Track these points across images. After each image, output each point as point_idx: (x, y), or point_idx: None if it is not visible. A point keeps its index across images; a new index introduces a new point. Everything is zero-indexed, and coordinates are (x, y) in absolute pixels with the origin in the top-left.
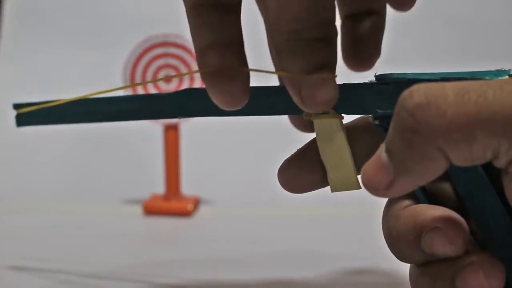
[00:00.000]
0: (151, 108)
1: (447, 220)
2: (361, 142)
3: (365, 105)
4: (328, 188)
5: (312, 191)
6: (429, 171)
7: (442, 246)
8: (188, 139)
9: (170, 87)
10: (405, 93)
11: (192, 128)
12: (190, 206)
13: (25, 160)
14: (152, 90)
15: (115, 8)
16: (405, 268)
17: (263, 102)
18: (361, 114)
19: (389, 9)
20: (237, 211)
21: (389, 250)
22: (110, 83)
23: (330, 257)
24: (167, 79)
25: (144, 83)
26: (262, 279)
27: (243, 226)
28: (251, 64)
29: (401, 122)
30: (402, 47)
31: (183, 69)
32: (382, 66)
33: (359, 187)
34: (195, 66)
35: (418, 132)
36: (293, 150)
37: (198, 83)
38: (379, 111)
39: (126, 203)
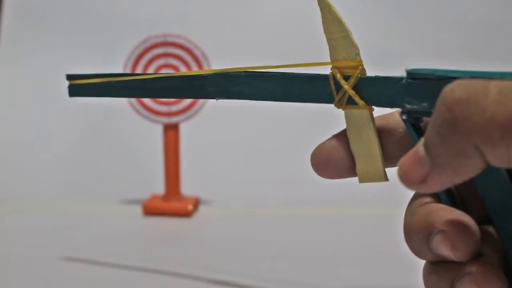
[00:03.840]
0: (192, 86)
1: (455, 224)
2: (394, 136)
3: (394, 99)
4: (327, 188)
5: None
6: (464, 169)
7: (446, 250)
8: (188, 140)
9: None
10: (447, 87)
11: (191, 128)
12: (190, 206)
13: (25, 161)
14: None
15: (115, 8)
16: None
17: (296, 90)
18: (390, 107)
19: (392, 9)
20: (237, 212)
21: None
22: None
23: (328, 257)
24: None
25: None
26: (261, 279)
27: (243, 226)
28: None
29: (439, 116)
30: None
31: (183, 69)
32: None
33: (386, 180)
34: (194, 66)
35: (455, 127)
36: (294, 151)
37: None
38: (406, 105)
39: (126, 204)
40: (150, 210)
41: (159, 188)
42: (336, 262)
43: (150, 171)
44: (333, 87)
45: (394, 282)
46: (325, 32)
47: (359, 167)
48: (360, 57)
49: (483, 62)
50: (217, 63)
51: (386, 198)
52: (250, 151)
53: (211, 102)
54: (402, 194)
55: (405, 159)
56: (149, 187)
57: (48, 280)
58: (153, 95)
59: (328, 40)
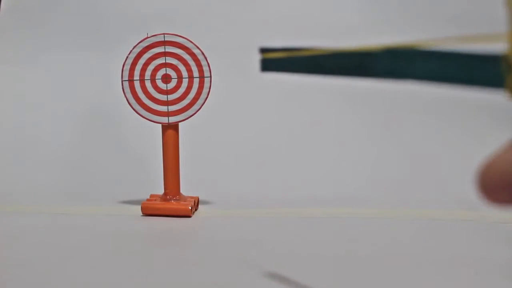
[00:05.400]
0: (361, 65)
1: None
2: None
3: None
4: (327, 188)
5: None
6: None
7: None
8: (187, 140)
9: (170, 86)
10: None
11: (191, 128)
12: (189, 207)
13: (25, 161)
14: (150, 88)
15: (114, 8)
16: None
17: (465, 71)
18: None
19: (389, 7)
20: (237, 212)
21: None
22: (110, 81)
23: (329, 257)
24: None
25: None
26: (261, 279)
27: (243, 226)
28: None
29: None
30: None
31: (182, 68)
32: None
33: None
34: (193, 65)
35: None
36: (294, 151)
37: (196, 83)
38: None
39: (125, 204)
40: (149, 211)
41: (158, 188)
42: (336, 262)
43: (149, 171)
44: (504, 68)
45: (392, 284)
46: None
47: None
48: None
49: None
50: (217, 63)
51: (389, 200)
52: (250, 151)
53: (211, 101)
54: (399, 195)
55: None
56: (148, 187)
57: (48, 280)
58: (329, 73)
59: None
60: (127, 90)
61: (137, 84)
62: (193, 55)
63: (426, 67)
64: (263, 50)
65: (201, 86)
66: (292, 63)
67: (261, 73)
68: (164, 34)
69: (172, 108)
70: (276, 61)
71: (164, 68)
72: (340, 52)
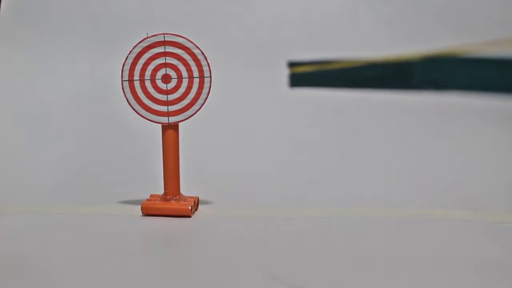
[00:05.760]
0: (398, 75)
1: None
2: None
3: None
4: (327, 189)
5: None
6: None
7: None
8: (187, 139)
9: (170, 86)
10: None
11: (191, 128)
12: (189, 207)
13: (25, 161)
14: (150, 88)
15: (115, 8)
16: None
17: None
18: None
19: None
20: (237, 212)
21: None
22: (110, 81)
23: (329, 258)
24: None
25: None
26: (261, 279)
27: (243, 226)
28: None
29: None
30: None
31: (182, 68)
32: None
33: None
34: (193, 66)
35: None
36: (295, 151)
37: (196, 83)
38: None
39: (125, 204)
40: (149, 211)
41: (158, 188)
42: (336, 262)
43: (149, 171)
44: None
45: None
46: None
47: None
48: None
49: None
50: (218, 63)
51: (388, 200)
52: (250, 151)
53: (211, 101)
54: (399, 195)
55: None
56: (148, 187)
57: (48, 280)
58: (362, 85)
59: None
60: (127, 90)
61: (137, 84)
62: (193, 55)
63: (472, 76)
64: (292, 64)
65: (201, 86)
66: (322, 76)
67: (291, 89)
68: (164, 34)
69: (172, 108)
70: (306, 75)
71: (164, 68)
72: (374, 63)
